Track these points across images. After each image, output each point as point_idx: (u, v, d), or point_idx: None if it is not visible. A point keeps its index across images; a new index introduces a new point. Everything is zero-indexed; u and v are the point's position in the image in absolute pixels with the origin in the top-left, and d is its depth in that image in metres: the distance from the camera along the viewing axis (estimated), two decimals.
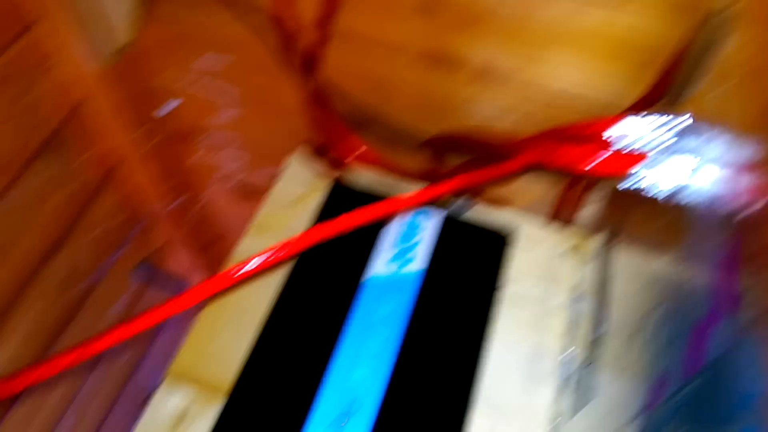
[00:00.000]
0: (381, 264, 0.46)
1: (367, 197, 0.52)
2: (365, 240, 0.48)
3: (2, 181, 0.59)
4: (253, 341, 0.44)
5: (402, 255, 0.47)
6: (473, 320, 0.44)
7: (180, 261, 0.95)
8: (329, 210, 0.50)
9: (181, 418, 0.48)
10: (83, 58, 0.61)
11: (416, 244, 0.47)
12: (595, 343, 0.46)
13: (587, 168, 0.32)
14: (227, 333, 0.52)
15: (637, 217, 0.48)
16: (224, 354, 0.50)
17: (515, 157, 0.37)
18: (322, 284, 0.46)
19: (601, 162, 0.32)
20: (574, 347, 0.51)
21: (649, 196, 0.31)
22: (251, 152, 0.79)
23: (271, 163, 0.80)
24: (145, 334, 0.95)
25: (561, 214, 0.60)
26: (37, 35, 0.58)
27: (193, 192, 0.86)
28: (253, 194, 0.86)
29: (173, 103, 0.73)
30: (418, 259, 0.47)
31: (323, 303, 0.45)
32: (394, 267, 0.46)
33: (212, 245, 0.96)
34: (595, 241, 0.56)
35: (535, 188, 0.63)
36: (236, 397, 0.41)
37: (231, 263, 0.56)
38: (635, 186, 0.31)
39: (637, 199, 0.48)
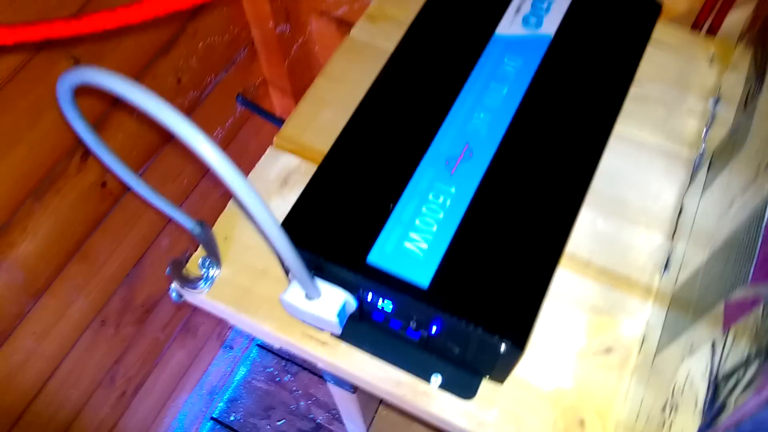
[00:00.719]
0: (509, 24, 0.43)
1: None
2: (479, 27, 0.44)
3: None
4: (366, 95, 0.43)
5: (533, 16, 0.43)
6: (605, 95, 0.41)
7: (279, 99, 0.95)
8: None
9: (286, 179, 0.48)
10: None
11: (551, 5, 0.43)
12: (729, 144, 0.41)
13: None
14: (335, 107, 0.51)
15: None
16: (332, 126, 0.50)
17: None
18: (443, 40, 0.43)
19: None
20: (704, 146, 0.46)
21: None
22: None
23: None
24: None
25: (705, 22, 0.54)
26: None
27: (297, 21, 0.84)
28: None
29: None
30: (551, 23, 0.43)
31: (443, 57, 0.42)
32: (523, 29, 0.43)
33: None
34: (740, 50, 0.50)
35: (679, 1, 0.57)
36: (349, 135, 0.40)
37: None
38: None
39: None
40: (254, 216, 0.27)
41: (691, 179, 0.46)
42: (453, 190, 0.37)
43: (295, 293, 0.37)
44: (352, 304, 0.37)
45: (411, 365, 0.40)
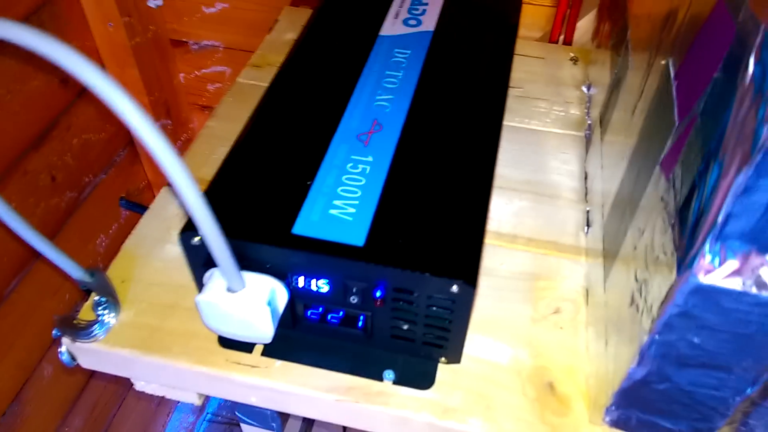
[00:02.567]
0: (391, 26, 0.45)
1: None
2: (371, 10, 0.47)
3: None
4: (267, 91, 0.41)
5: (412, 19, 0.46)
6: (492, 71, 0.43)
7: None
8: (329, 10, 0.48)
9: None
10: None
11: (425, 9, 0.46)
12: (606, 117, 0.44)
13: None
14: (230, 142, 0.49)
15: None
16: None
17: None
18: (332, 44, 0.44)
19: None
20: (589, 121, 0.49)
21: None
22: (234, 64, 0.78)
23: None
24: None
25: (559, 37, 0.60)
26: None
27: (179, 116, 0.83)
28: None
29: None
30: (429, 21, 0.45)
31: (335, 56, 0.43)
32: (405, 28, 0.45)
33: None
34: (594, 50, 0.55)
35: (528, 20, 0.63)
36: (254, 128, 0.38)
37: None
38: None
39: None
40: (169, 174, 0.25)
41: (587, 149, 0.48)
42: (370, 158, 0.36)
43: (213, 291, 0.32)
44: (283, 294, 0.33)
45: (359, 367, 0.36)
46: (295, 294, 0.34)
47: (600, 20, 0.55)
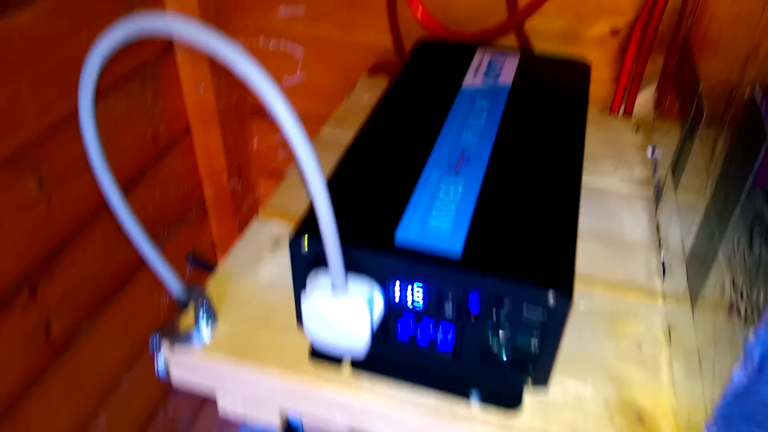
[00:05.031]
0: (471, 81, 0.49)
1: (455, 47, 0.56)
2: (452, 70, 0.51)
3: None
4: (359, 132, 0.45)
5: (490, 76, 0.50)
6: (569, 121, 0.46)
7: None
8: (415, 64, 0.53)
9: (277, 241, 0.47)
10: None
11: (502, 67, 0.51)
12: (679, 166, 0.47)
13: None
14: None
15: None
16: None
17: None
18: (416, 98, 0.48)
19: None
20: (658, 176, 0.52)
21: None
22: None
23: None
24: None
25: (620, 108, 0.63)
26: None
27: (248, 179, 0.88)
28: None
29: None
30: (506, 78, 0.50)
31: (421, 106, 0.47)
32: (484, 83, 0.49)
33: None
34: (656, 121, 0.59)
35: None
36: (348, 162, 0.42)
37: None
38: None
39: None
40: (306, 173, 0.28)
41: (657, 204, 0.50)
42: (461, 181, 0.39)
43: (319, 293, 0.34)
44: (379, 301, 0.35)
45: (446, 384, 0.37)
46: (390, 305, 0.36)
47: (662, 91, 0.59)
